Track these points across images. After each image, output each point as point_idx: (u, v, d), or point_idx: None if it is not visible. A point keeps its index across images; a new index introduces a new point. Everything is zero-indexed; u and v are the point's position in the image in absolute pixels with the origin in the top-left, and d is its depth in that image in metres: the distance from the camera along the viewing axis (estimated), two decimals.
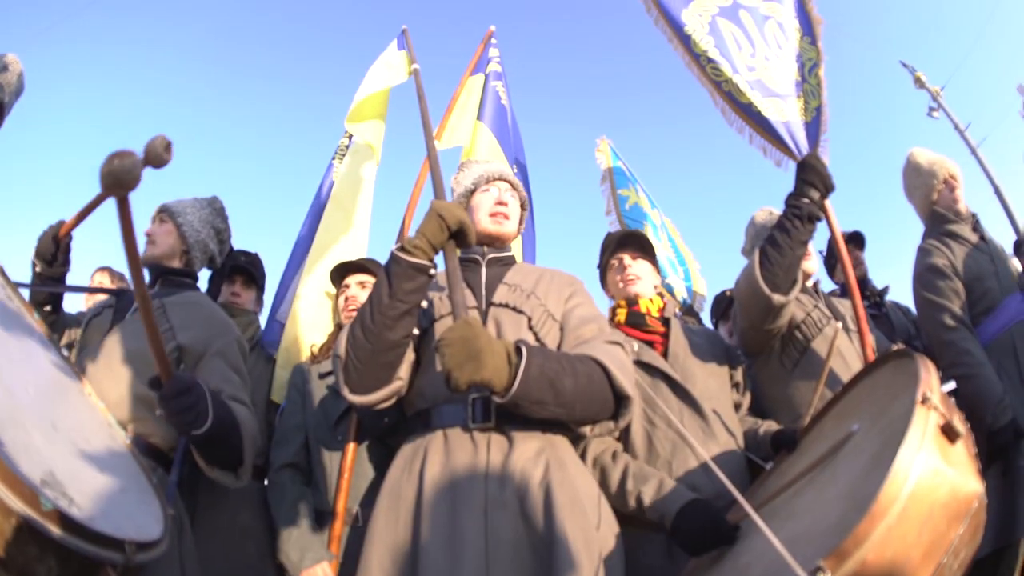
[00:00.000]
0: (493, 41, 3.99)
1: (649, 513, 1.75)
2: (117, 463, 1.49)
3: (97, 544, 1.03)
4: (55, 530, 0.95)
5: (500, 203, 2.01)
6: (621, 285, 2.39)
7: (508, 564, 1.40)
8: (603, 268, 2.52)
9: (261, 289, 3.16)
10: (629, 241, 2.46)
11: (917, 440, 0.96)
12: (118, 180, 1.10)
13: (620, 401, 1.59)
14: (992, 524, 2.34)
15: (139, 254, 1.27)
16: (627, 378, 1.58)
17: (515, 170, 3.56)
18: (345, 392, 1.62)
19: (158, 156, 1.65)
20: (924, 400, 1.03)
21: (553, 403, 1.46)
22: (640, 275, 2.38)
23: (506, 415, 1.56)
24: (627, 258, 2.41)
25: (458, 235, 1.63)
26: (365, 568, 1.51)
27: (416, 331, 1.70)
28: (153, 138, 1.63)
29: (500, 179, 2.08)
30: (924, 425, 0.99)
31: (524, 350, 1.44)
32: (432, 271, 1.61)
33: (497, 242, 2.01)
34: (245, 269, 3.01)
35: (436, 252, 1.62)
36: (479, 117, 3.61)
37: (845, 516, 0.97)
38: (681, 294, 4.24)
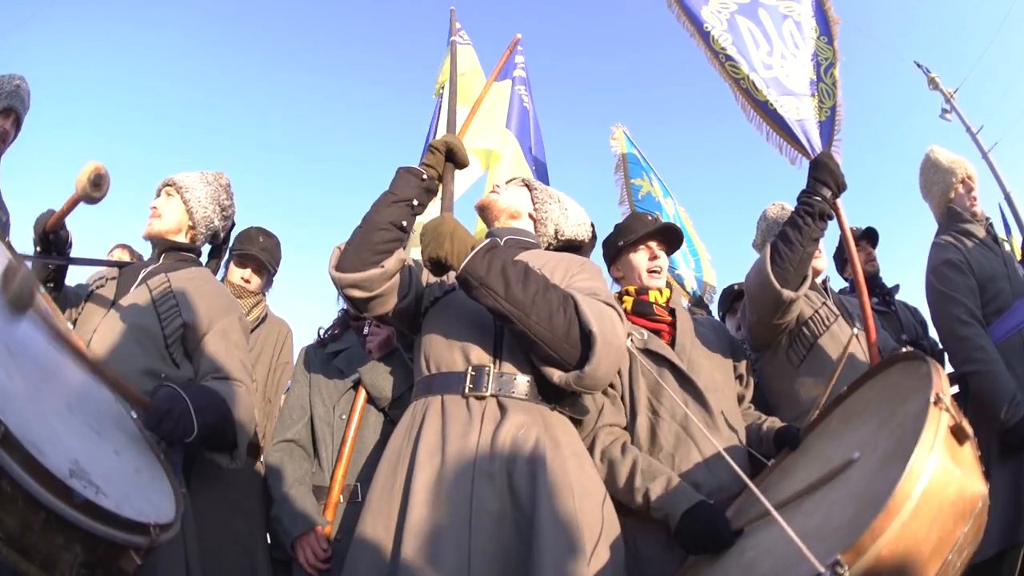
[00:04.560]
0: (519, 48, 4.02)
1: (655, 511, 1.75)
2: (128, 441, 1.50)
3: (124, 530, 1.05)
4: (87, 521, 0.96)
5: (493, 190, 2.27)
6: (646, 274, 2.35)
7: (490, 534, 1.43)
8: (625, 246, 2.42)
9: (273, 273, 3.18)
10: (667, 234, 2.41)
11: (930, 440, 0.98)
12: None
13: (587, 341, 1.57)
14: (998, 524, 2.34)
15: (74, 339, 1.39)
16: (598, 319, 1.58)
17: (532, 168, 3.67)
18: (333, 272, 1.76)
19: (87, 194, 1.70)
20: (937, 401, 1.04)
21: (504, 295, 1.57)
22: (663, 268, 2.37)
23: (503, 383, 1.68)
24: (656, 247, 2.37)
25: (450, 155, 1.95)
26: (360, 532, 1.56)
27: (428, 298, 1.91)
28: (83, 171, 1.65)
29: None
30: (937, 425, 1.00)
31: (490, 242, 1.66)
32: (425, 177, 1.87)
33: (491, 212, 2.18)
34: (258, 258, 3.04)
35: (434, 171, 1.92)
36: (507, 125, 3.72)
37: (859, 514, 0.98)
38: (691, 285, 4.23)
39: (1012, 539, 2.36)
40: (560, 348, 1.58)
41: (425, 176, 1.86)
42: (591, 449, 1.90)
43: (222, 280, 2.99)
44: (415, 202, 1.82)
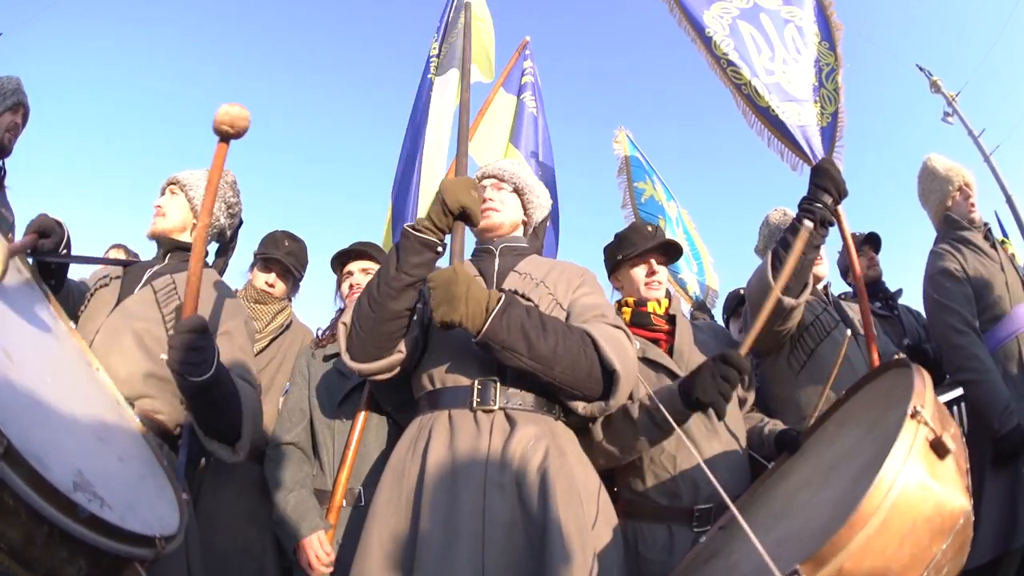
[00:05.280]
0: (527, 52, 3.99)
1: (659, 399, 1.75)
2: (132, 447, 1.50)
3: (130, 543, 1.04)
4: (91, 535, 0.95)
5: (484, 200, 2.08)
6: (644, 288, 2.37)
7: (502, 545, 1.44)
8: (624, 260, 2.45)
9: (299, 278, 3.08)
10: (665, 248, 2.43)
11: (903, 454, 0.97)
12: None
13: (610, 377, 1.61)
14: (993, 530, 2.39)
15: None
16: (617, 354, 1.61)
17: (539, 174, 3.60)
18: (346, 359, 1.72)
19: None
20: (914, 414, 1.04)
21: (527, 354, 1.55)
22: (662, 282, 2.39)
23: (510, 396, 1.66)
24: (655, 262, 2.39)
25: (463, 217, 1.75)
26: (366, 545, 1.55)
27: (427, 314, 1.76)
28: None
29: (486, 177, 2.17)
30: (912, 439, 1.00)
31: (504, 300, 1.57)
32: (440, 248, 1.72)
33: (494, 232, 2.09)
34: (282, 262, 2.93)
35: (445, 232, 1.74)
36: (512, 141, 3.68)
37: (831, 521, 0.98)
38: (694, 290, 4.23)
39: (1007, 545, 2.40)
40: (584, 388, 1.62)
41: (440, 248, 1.74)
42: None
43: (245, 284, 2.95)
44: (427, 278, 1.71)
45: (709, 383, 1.67)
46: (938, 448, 1.02)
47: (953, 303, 2.74)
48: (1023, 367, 2.64)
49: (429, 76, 3.69)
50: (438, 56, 3.68)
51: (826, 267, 2.81)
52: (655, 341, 2.26)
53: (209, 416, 1.77)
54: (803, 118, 2.51)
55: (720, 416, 1.69)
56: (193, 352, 1.58)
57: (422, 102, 3.65)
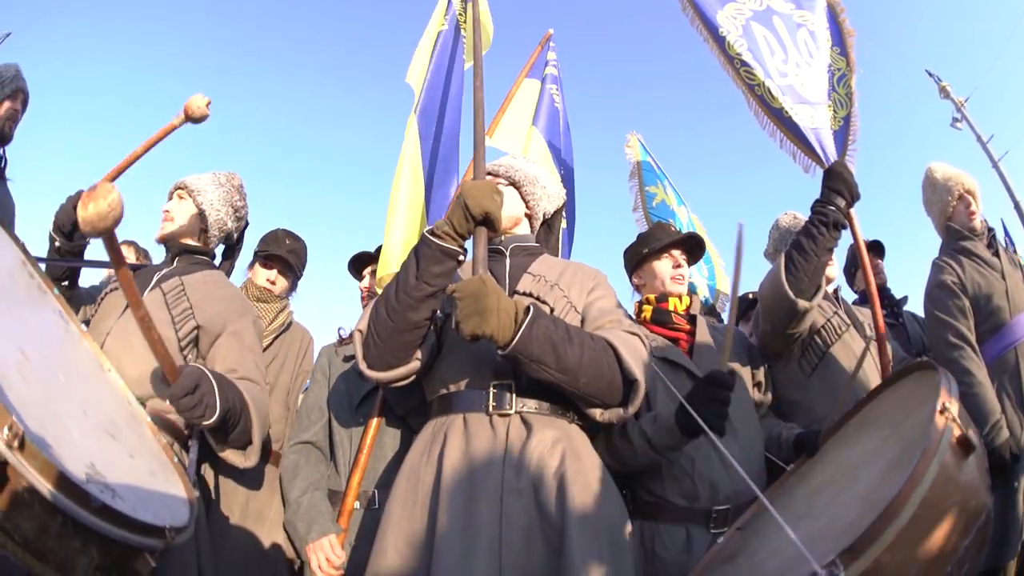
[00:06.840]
0: (551, 45, 3.99)
1: (654, 438, 1.76)
2: (143, 444, 1.51)
3: (141, 533, 1.05)
4: (104, 525, 0.96)
5: None
6: (670, 282, 2.38)
7: (519, 548, 1.42)
8: (649, 254, 2.44)
9: (298, 277, 3.09)
10: (690, 244, 2.45)
11: (932, 449, 0.98)
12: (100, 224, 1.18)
13: (629, 386, 1.60)
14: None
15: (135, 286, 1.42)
16: (637, 363, 1.59)
17: (561, 173, 3.55)
18: (363, 367, 1.68)
19: (200, 110, 1.96)
20: (943, 411, 1.04)
21: (555, 367, 1.52)
22: (686, 277, 2.40)
23: (526, 399, 1.64)
24: (679, 256, 2.41)
25: (485, 223, 1.67)
26: (381, 549, 1.53)
27: (440, 314, 1.74)
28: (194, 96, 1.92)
29: (488, 175, 2.11)
30: (941, 435, 1.00)
31: (532, 311, 1.52)
32: (461, 256, 1.65)
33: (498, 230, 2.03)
34: (285, 260, 2.94)
35: (465, 238, 1.66)
36: (534, 123, 3.64)
37: (861, 516, 0.98)
38: (703, 293, 4.24)
39: (995, 562, 2.40)
40: (605, 397, 1.60)
41: (462, 257, 1.66)
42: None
43: (244, 282, 2.95)
44: (454, 289, 1.64)
45: (705, 408, 1.63)
46: (964, 445, 1.02)
47: (948, 317, 2.76)
48: (1018, 379, 2.64)
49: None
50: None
51: (836, 270, 2.82)
52: (675, 340, 2.26)
53: (222, 434, 1.80)
54: (816, 120, 2.51)
55: (720, 434, 1.63)
56: (193, 409, 1.61)
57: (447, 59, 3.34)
